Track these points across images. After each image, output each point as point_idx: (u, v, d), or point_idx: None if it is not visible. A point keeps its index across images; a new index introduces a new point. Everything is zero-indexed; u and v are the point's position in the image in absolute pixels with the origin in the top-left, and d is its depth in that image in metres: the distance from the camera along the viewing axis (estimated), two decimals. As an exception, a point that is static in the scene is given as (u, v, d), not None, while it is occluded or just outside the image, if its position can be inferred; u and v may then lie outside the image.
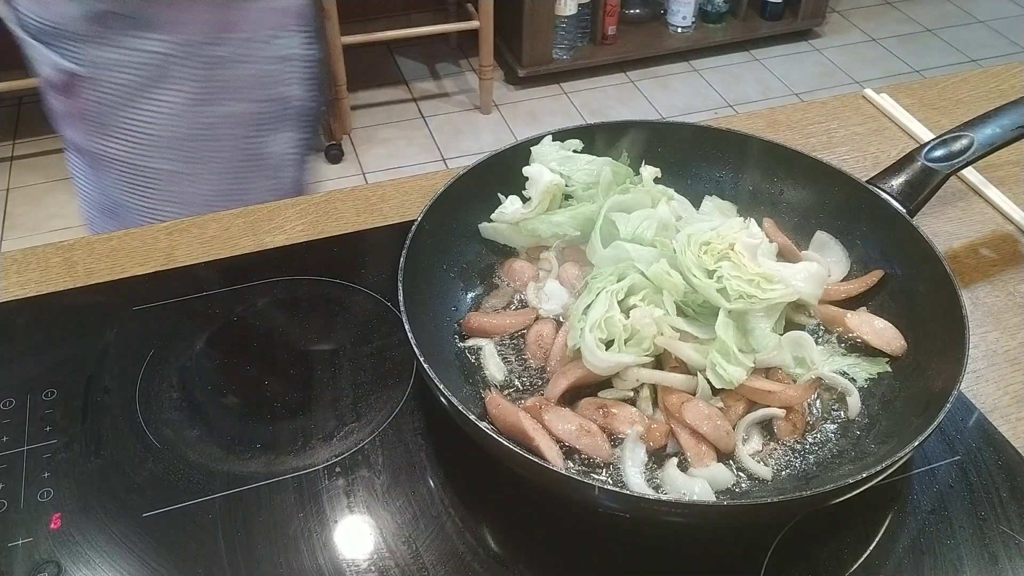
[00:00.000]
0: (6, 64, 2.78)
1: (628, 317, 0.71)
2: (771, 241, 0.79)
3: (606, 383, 0.71)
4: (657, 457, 0.67)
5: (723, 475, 0.65)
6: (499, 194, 0.85)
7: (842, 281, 0.81)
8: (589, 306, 0.71)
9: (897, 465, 0.59)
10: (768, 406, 0.69)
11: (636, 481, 0.65)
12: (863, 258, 0.81)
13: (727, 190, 0.89)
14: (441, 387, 0.62)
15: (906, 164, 0.83)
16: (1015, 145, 0.83)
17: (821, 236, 0.83)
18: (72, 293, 0.85)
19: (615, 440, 0.68)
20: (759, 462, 0.67)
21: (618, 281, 0.73)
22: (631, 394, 0.71)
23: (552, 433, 0.66)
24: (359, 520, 0.66)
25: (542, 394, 0.71)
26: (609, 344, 0.70)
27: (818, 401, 0.72)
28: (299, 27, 1.07)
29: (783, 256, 0.81)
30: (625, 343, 0.70)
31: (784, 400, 0.69)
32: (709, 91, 3.20)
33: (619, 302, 0.71)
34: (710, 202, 0.87)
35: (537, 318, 0.77)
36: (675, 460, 0.66)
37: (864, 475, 0.57)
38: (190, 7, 0.98)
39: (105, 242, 0.90)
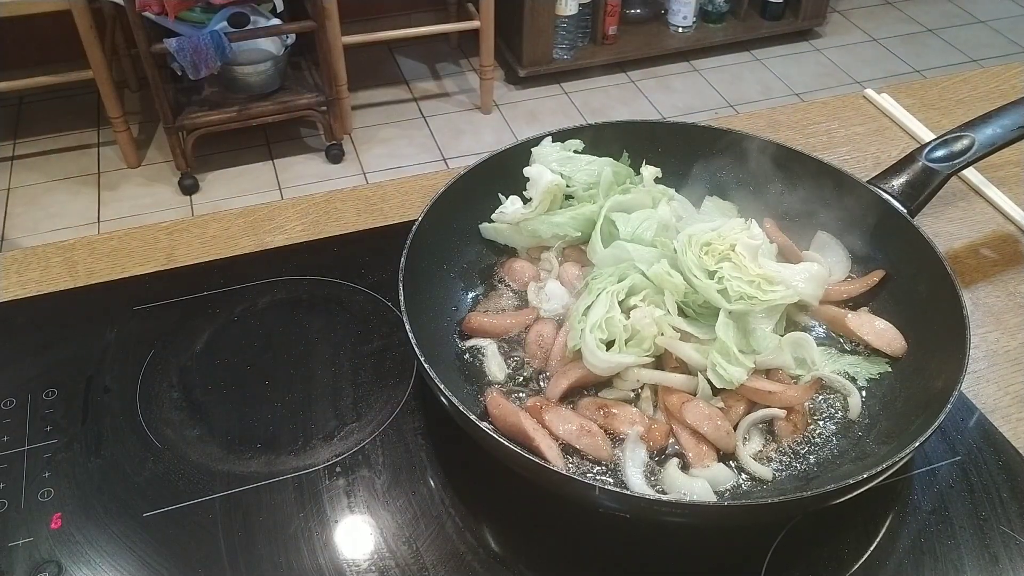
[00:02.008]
0: (6, 64, 2.78)
1: (628, 317, 0.71)
2: (771, 242, 0.79)
3: (606, 383, 0.71)
4: (658, 457, 0.67)
5: (724, 475, 0.65)
6: (499, 194, 0.85)
7: (843, 281, 0.81)
8: (589, 307, 0.71)
9: (898, 466, 0.59)
10: (769, 406, 0.69)
11: (636, 481, 0.65)
12: (863, 258, 0.81)
13: (727, 190, 0.89)
14: (441, 387, 0.62)
15: (907, 164, 0.83)
16: (1015, 145, 0.83)
17: (822, 236, 0.83)
18: (72, 293, 0.85)
19: (615, 440, 0.68)
20: (760, 462, 0.67)
21: (619, 282, 0.73)
22: (631, 394, 0.71)
23: (553, 433, 0.66)
24: (359, 520, 0.66)
25: (543, 394, 0.71)
26: (610, 344, 0.70)
27: (819, 401, 0.72)
28: None
29: (784, 256, 0.81)
30: (626, 343, 0.70)
31: (785, 400, 0.68)
32: (709, 91, 3.20)
33: (619, 302, 0.71)
34: (710, 202, 0.87)
35: (537, 318, 0.77)
36: (676, 460, 0.66)
37: (865, 475, 0.57)
38: None
39: (105, 242, 0.90)
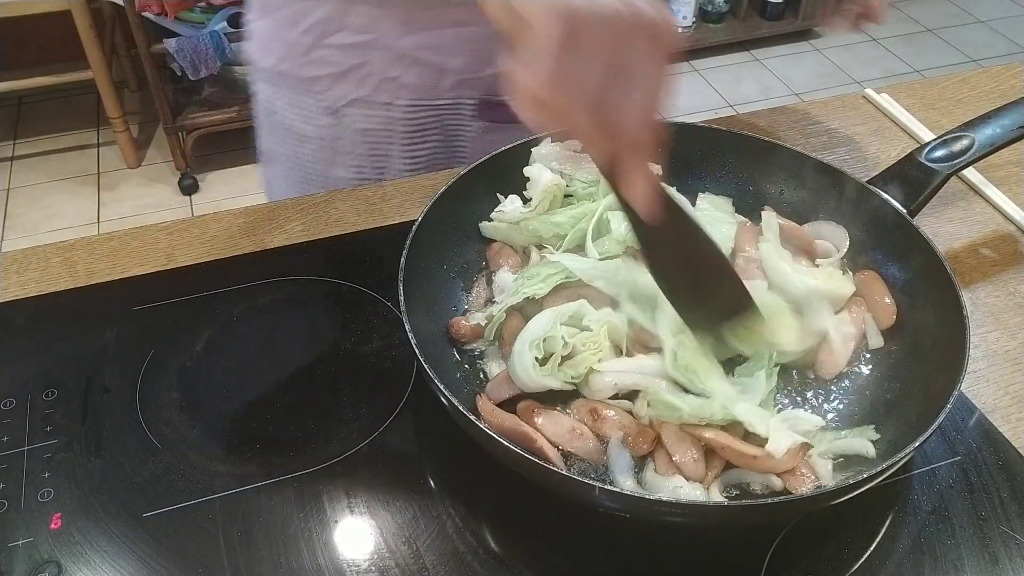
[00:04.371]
0: (6, 64, 2.78)
1: (578, 331, 0.70)
2: (768, 238, 0.79)
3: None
4: (641, 461, 0.67)
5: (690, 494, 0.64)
6: (498, 194, 0.84)
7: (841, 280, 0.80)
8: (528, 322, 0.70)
9: (898, 466, 0.59)
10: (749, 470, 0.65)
11: (625, 484, 0.64)
12: (863, 258, 0.81)
13: (727, 190, 0.88)
14: (441, 387, 0.62)
15: (906, 164, 0.82)
16: (1015, 145, 0.83)
17: (815, 224, 0.83)
18: (72, 293, 0.85)
19: (606, 443, 0.67)
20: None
21: (551, 288, 0.72)
22: (631, 404, 0.70)
23: (543, 435, 0.66)
24: (359, 520, 0.66)
25: (484, 393, 0.70)
26: (546, 360, 0.69)
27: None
28: None
29: (788, 239, 0.80)
30: (560, 364, 0.69)
31: (769, 467, 0.64)
32: (709, 91, 3.20)
33: (563, 323, 0.70)
34: (704, 200, 0.86)
35: (509, 315, 0.75)
36: (652, 465, 0.66)
37: (864, 475, 0.57)
38: None
39: (105, 242, 0.90)
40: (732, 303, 0.68)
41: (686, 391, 0.68)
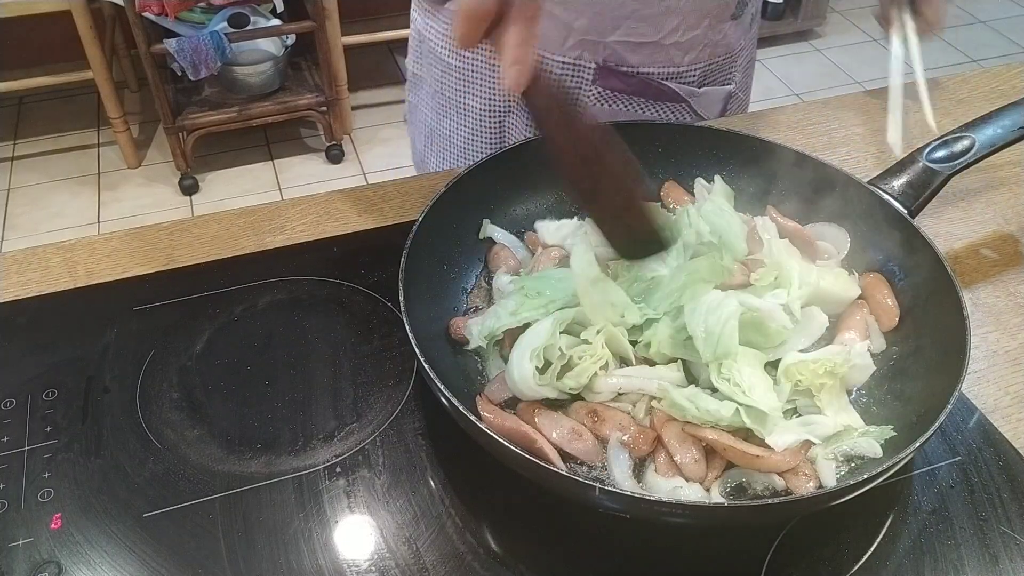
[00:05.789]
0: (6, 64, 2.78)
1: (577, 343, 0.70)
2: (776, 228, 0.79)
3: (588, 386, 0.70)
4: (641, 461, 0.67)
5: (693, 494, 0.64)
6: (500, 196, 0.84)
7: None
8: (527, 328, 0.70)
9: (898, 466, 0.59)
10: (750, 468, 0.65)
11: (625, 484, 0.64)
12: (864, 259, 0.81)
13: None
14: (441, 387, 0.62)
15: (907, 165, 0.82)
16: (1015, 145, 0.83)
17: (816, 226, 0.83)
18: (72, 293, 0.85)
19: (605, 444, 0.67)
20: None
21: (560, 308, 0.71)
22: (631, 407, 0.70)
23: (543, 435, 0.66)
24: (359, 520, 0.66)
25: (483, 394, 0.70)
26: (546, 369, 0.68)
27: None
28: None
29: (791, 238, 0.80)
30: (560, 372, 0.68)
31: (771, 466, 0.64)
32: (709, 91, 3.20)
33: (562, 331, 0.70)
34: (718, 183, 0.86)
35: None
36: (653, 466, 0.66)
37: (865, 476, 0.57)
38: None
39: (106, 242, 0.90)
40: (644, 232, 0.67)
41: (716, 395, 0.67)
